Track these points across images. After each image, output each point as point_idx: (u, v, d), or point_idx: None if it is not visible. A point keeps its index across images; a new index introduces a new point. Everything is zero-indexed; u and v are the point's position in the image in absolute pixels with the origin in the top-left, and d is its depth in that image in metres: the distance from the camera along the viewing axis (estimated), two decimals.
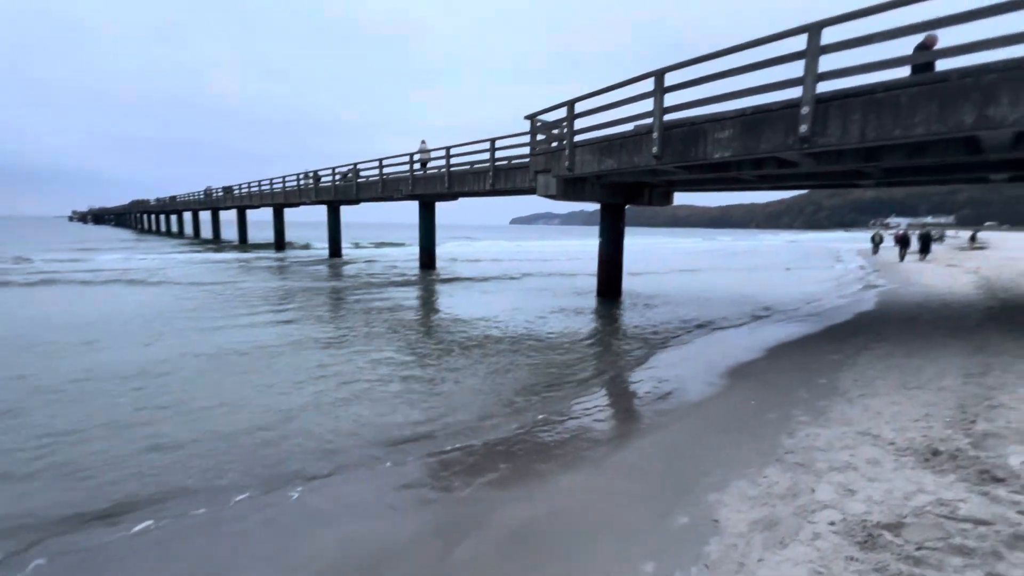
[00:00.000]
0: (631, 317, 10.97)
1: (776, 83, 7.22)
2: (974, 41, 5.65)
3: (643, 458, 4.19)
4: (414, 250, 24.28)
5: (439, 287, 16.20)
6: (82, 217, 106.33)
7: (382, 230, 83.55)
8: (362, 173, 23.11)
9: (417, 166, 19.39)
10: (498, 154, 15.61)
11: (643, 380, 6.50)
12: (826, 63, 6.66)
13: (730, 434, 4.48)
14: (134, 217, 71.13)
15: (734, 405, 5.39)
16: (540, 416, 5.18)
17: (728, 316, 11.10)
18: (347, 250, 30.68)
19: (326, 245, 28.00)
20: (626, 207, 14.66)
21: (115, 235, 51.41)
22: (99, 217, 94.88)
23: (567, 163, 11.14)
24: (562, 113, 11.32)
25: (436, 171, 18.67)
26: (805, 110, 6.74)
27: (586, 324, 10.28)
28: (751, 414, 4.97)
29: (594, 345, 8.45)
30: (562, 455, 4.30)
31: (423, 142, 20.29)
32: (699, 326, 10.06)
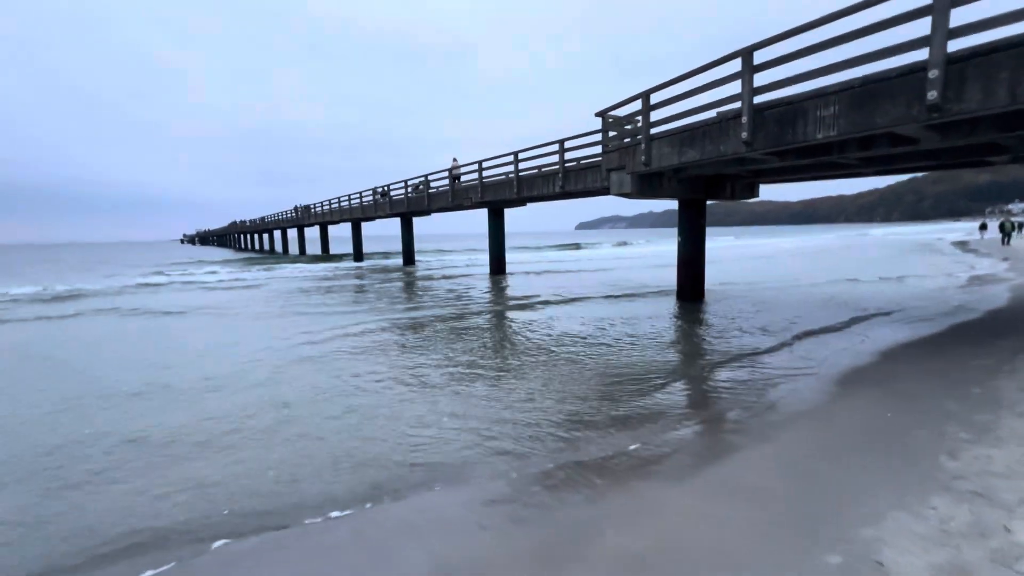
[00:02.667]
0: (718, 320, 10.12)
1: (892, 47, 6.29)
2: None
3: (760, 477, 3.62)
4: (484, 257, 24.45)
5: (512, 291, 16.03)
6: (191, 240, 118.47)
7: (452, 241, 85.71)
8: (432, 184, 23.67)
9: (475, 177, 19.53)
10: (567, 155, 15.28)
11: (741, 387, 5.82)
12: (958, 17, 5.70)
13: (869, 453, 3.79)
14: (233, 237, 78.15)
15: (862, 417, 4.62)
16: (633, 426, 4.73)
17: (827, 318, 9.93)
18: (420, 258, 31.68)
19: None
20: (706, 203, 13.76)
21: (218, 254, 56.43)
22: (204, 239, 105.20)
23: (643, 158, 10.55)
24: (636, 106, 10.77)
25: (503, 177, 18.66)
26: (934, 73, 5.79)
27: (671, 329, 9.60)
28: (889, 429, 4.21)
29: (681, 350, 7.81)
30: (662, 471, 3.83)
31: (454, 159, 22.10)
32: (794, 329, 9.04)
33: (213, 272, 27.54)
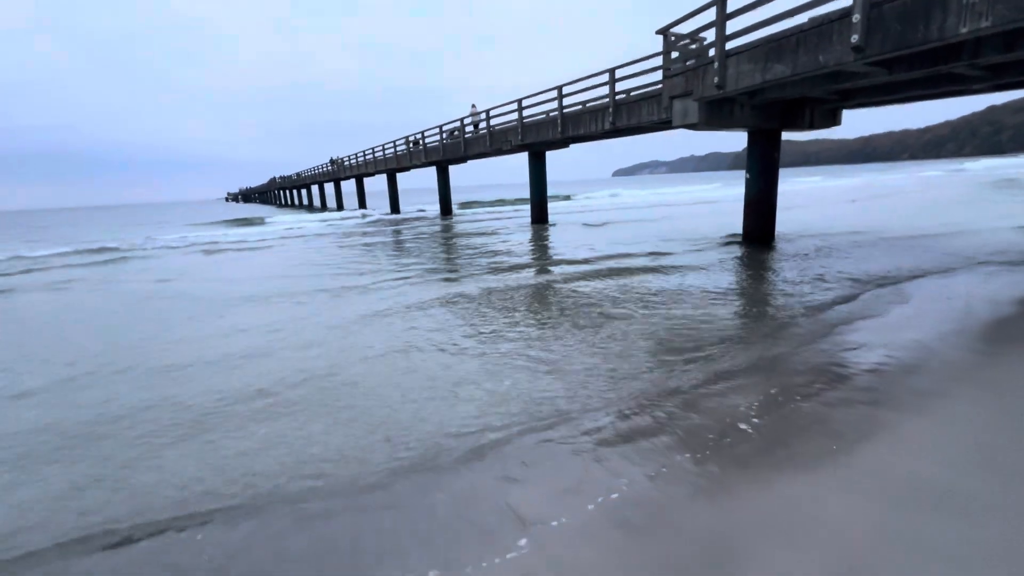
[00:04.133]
0: (798, 267, 8.90)
1: None
2: None
3: (937, 468, 2.73)
4: (520, 207, 23.26)
5: (559, 244, 15.05)
6: (234, 197, 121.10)
7: (489, 191, 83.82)
8: (468, 128, 22.42)
9: (515, 118, 18.16)
10: (618, 87, 13.74)
11: (860, 347, 4.82)
12: None
13: None
14: (273, 194, 79.22)
15: None
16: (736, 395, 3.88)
17: (936, 263, 8.55)
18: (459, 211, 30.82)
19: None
20: (781, 134, 12.11)
21: (258, 210, 57.08)
22: (247, 196, 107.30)
23: (716, 79, 9.09)
24: (709, 16, 9.18)
25: (544, 116, 17.25)
26: None
27: (745, 278, 8.50)
28: None
29: (761, 304, 6.77)
30: (795, 457, 3.00)
31: (473, 106, 21.99)
32: (898, 276, 7.77)
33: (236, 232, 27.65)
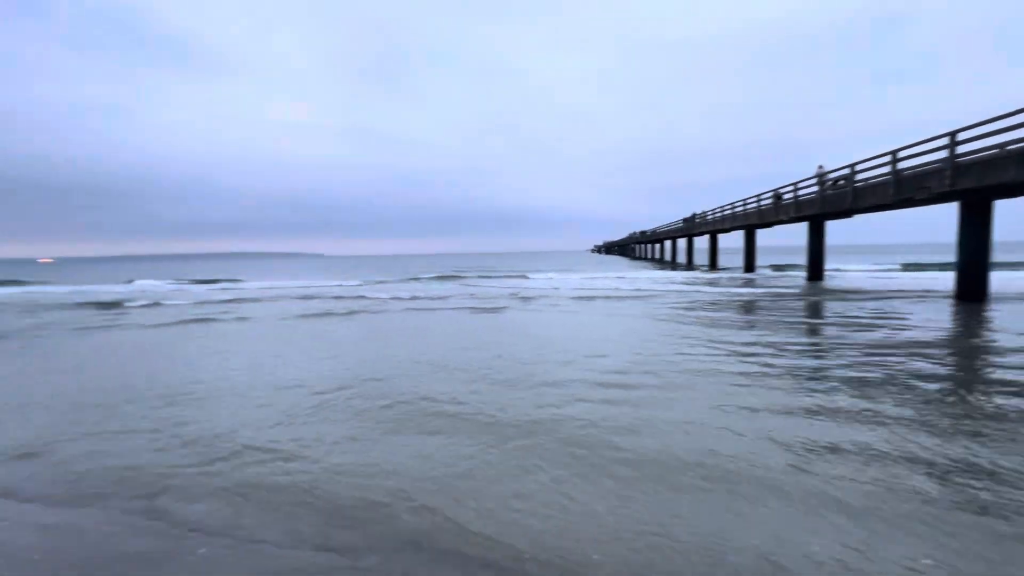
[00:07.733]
0: None
1: None
2: None
3: None
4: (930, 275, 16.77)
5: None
6: (598, 249, 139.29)
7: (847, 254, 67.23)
8: (859, 176, 18.32)
9: (943, 156, 13.27)
10: None
11: None
12: None
13: None
14: (631, 247, 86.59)
15: None
16: None
17: None
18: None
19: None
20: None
21: (620, 262, 63.09)
22: (608, 248, 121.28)
23: None
24: None
25: (995, 150, 12.15)
26: None
27: None
28: None
29: None
30: None
31: (820, 166, 21.32)
32: None
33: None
